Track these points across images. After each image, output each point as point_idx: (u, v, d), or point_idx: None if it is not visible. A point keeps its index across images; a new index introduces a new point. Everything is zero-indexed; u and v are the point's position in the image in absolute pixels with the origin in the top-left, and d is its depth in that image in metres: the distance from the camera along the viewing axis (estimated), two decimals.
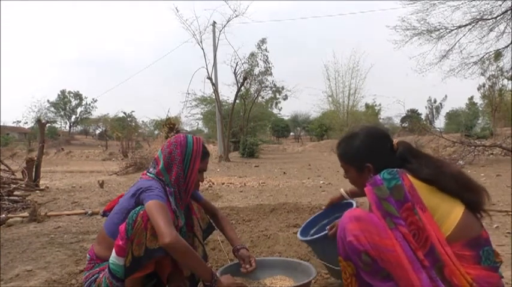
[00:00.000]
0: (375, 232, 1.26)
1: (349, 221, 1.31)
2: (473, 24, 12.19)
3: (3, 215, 4.11)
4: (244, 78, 19.22)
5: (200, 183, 1.88)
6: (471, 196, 1.34)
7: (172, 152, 1.73)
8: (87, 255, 1.72)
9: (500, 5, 11.62)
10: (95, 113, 55.11)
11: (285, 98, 27.00)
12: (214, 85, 18.11)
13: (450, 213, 1.28)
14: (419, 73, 14.16)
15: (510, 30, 12.02)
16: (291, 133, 52.12)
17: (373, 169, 1.43)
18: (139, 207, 1.53)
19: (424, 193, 1.29)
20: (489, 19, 11.98)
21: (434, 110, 55.65)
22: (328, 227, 1.74)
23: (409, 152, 1.45)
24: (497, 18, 11.87)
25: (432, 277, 1.17)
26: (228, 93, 52.33)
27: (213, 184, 7.78)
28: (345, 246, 1.31)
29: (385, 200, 1.26)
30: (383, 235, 1.23)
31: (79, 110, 58.63)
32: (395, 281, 1.21)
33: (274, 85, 24.32)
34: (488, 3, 11.78)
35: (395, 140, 1.53)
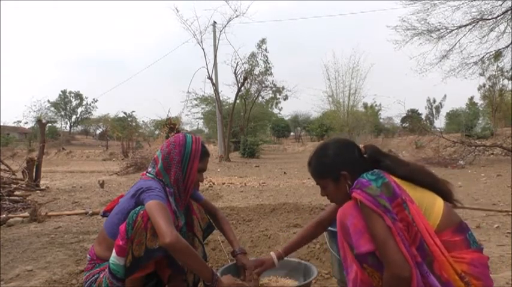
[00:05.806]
0: None
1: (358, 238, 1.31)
2: (474, 24, 12.19)
3: (4, 215, 4.11)
4: (245, 78, 19.23)
5: (200, 183, 1.87)
6: (444, 187, 1.39)
7: (171, 152, 1.72)
8: (88, 255, 1.72)
9: (501, 5, 11.63)
10: (96, 113, 54.96)
11: (285, 98, 26.96)
12: (215, 85, 18.14)
13: (434, 204, 1.32)
14: (420, 73, 14.14)
15: (510, 30, 12.04)
16: (292, 133, 51.98)
17: (349, 177, 1.42)
18: (139, 207, 1.53)
19: (407, 189, 1.32)
20: (489, 19, 11.98)
21: (434, 110, 55.63)
22: None
23: (378, 153, 1.47)
24: (498, 18, 11.87)
25: (423, 273, 1.19)
26: (228, 93, 52.27)
27: (214, 184, 7.78)
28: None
29: (379, 196, 1.26)
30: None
31: (79, 110, 58.48)
32: None
33: (275, 85, 24.33)
34: (488, 3, 11.80)
35: (361, 145, 1.54)
